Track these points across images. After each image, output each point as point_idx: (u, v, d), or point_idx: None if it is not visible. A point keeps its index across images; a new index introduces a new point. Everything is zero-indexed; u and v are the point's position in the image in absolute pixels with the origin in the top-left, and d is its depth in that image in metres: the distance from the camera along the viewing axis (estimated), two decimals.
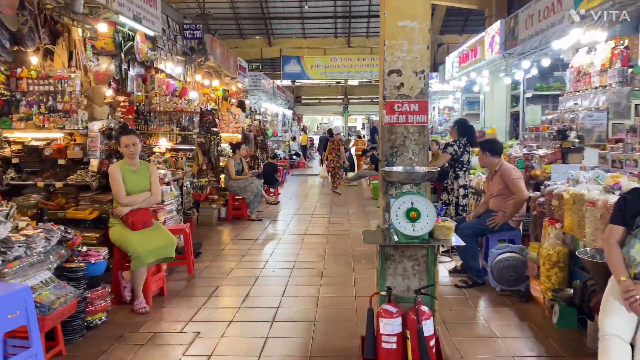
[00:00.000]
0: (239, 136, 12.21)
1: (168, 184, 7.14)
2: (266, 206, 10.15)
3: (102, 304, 4.24)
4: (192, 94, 11.50)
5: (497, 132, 12.40)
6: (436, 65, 21.11)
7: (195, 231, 8.09)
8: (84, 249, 4.26)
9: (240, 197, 9.23)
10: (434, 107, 19.61)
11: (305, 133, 28.76)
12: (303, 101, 30.77)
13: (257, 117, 20.41)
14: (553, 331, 4.05)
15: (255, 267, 6.07)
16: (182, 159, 8.17)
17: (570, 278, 4.37)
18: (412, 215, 2.79)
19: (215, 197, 9.00)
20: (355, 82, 30.31)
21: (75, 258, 4.15)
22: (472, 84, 13.85)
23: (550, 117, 7.54)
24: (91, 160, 5.27)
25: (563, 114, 7.07)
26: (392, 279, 3.12)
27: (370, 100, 30.91)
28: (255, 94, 19.07)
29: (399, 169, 3.02)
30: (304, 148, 24.80)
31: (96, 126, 5.30)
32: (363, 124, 40.61)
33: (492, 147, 5.46)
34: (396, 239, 2.83)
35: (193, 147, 9.18)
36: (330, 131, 20.97)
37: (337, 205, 10.97)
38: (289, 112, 26.33)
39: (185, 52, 11.35)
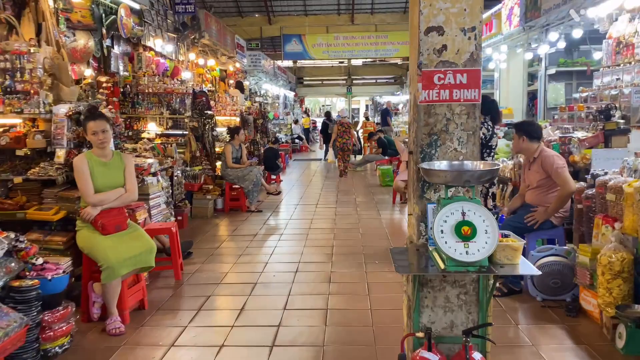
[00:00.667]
0: (237, 120, 11.34)
1: (155, 174, 6.32)
2: (267, 195, 9.33)
3: (64, 327, 3.46)
4: (186, 74, 10.63)
5: (514, 113, 11.52)
6: None
7: (188, 226, 7.30)
8: (40, 261, 3.45)
9: (238, 186, 8.41)
10: None
11: (308, 115, 27.81)
12: (305, 82, 29.76)
13: (257, 99, 19.51)
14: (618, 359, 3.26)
15: (253, 270, 5.27)
16: (172, 146, 7.33)
17: (635, 291, 3.56)
18: (465, 231, 1.96)
19: (211, 187, 8.18)
20: (359, 62, 29.24)
21: (27, 273, 3.36)
22: (485, 61, 12.86)
23: (585, 94, 6.65)
24: (57, 150, 4.45)
25: (602, 90, 6.18)
26: (430, 312, 2.30)
27: (374, 81, 29.89)
28: (254, 74, 18.13)
29: (444, 165, 2.17)
30: (306, 131, 23.90)
31: (62, 110, 4.46)
32: (367, 106, 39.62)
33: (530, 130, 4.60)
34: (442, 265, 2.00)
35: (185, 132, 8.34)
36: (328, 114, 20.07)
37: (343, 193, 10.14)
38: (291, 94, 25.37)
39: (177, 28, 10.43)
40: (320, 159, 17.45)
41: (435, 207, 2.19)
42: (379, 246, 6.04)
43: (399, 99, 27.85)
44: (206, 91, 9.88)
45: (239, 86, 14.00)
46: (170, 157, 7.16)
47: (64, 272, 3.58)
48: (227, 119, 11.47)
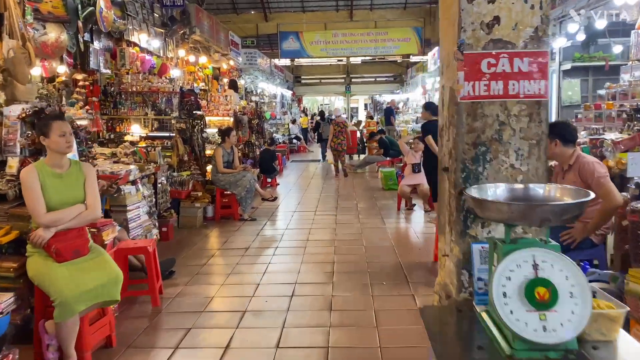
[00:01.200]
0: (231, 120, 10.65)
1: (134, 182, 5.64)
2: (262, 201, 8.64)
3: None
4: (175, 72, 9.94)
5: None
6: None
7: (174, 237, 6.62)
8: None
9: (230, 193, 7.73)
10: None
11: (306, 115, 27.13)
12: (303, 81, 29.07)
13: (253, 98, 18.81)
14: None
15: (243, 293, 4.58)
16: (156, 150, 6.65)
17: None
18: (540, 295, 1.28)
19: (200, 193, 7.50)
20: (358, 60, 28.58)
21: None
22: None
23: (612, 90, 5.97)
24: (8, 159, 3.76)
25: (634, 86, 5.51)
26: None
27: (374, 80, 29.23)
28: (250, 73, 17.44)
29: (503, 191, 1.47)
30: (304, 131, 23.22)
31: (15, 111, 3.78)
32: (365, 105, 38.95)
33: (565, 133, 3.90)
34: (507, 349, 1.32)
35: (172, 135, 7.65)
36: (322, 113, 19.40)
37: (343, 198, 9.46)
38: (288, 93, 24.68)
39: (165, 22, 9.74)
40: (319, 160, 16.77)
41: (485, 249, 1.51)
42: (386, 262, 5.37)
43: (399, 97, 27.21)
44: (195, 90, 9.20)
45: (233, 85, 13.29)
46: (153, 162, 6.48)
47: (2, 312, 2.90)
48: (220, 119, 10.79)
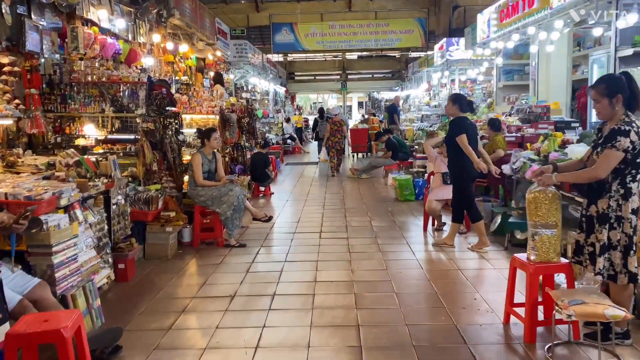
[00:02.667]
0: (216, 118, 8.87)
1: (68, 208, 3.88)
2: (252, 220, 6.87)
3: None
4: (147, 61, 8.14)
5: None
6: (451, 30, 17.73)
7: (134, 277, 4.84)
8: None
9: (213, 211, 5.96)
10: (452, 80, 16.29)
11: (300, 113, 25.33)
12: (296, 78, 27.27)
13: (244, 94, 17.02)
14: None
15: None
16: (109, 159, 4.86)
17: None
18: None
19: (172, 214, 5.71)
20: (354, 55, 26.82)
21: None
22: (520, 46, 10.53)
23: None
24: None
25: None
26: None
27: (371, 76, 27.50)
28: (240, 67, 15.63)
29: None
30: (299, 130, 21.43)
31: None
32: (361, 103, 37.30)
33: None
34: None
35: (138, 137, 5.87)
36: (321, 111, 17.59)
37: (353, 212, 7.71)
38: (282, 90, 22.89)
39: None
40: (317, 162, 15.01)
41: None
42: (435, 326, 3.63)
43: (397, 95, 25.50)
44: (169, 81, 7.42)
45: (218, 78, 11.50)
46: (105, 177, 4.69)
47: None
48: (204, 117, 9.01)
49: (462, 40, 14.86)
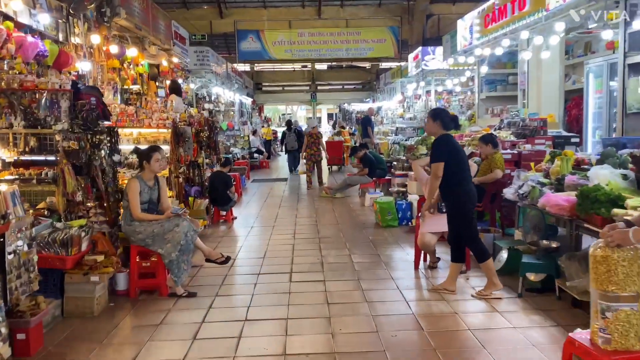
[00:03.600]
0: (168, 132, 7.61)
1: None
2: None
3: None
4: (84, 65, 6.85)
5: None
6: (425, 40, 16.94)
7: (41, 349, 3.56)
8: None
9: (154, 252, 4.71)
10: (428, 91, 15.45)
11: (269, 125, 24.11)
12: (264, 88, 26.10)
13: (206, 105, 15.75)
14: None
15: None
16: (5, 193, 3.57)
17: None
18: None
19: (99, 258, 4.43)
20: (324, 66, 25.89)
21: None
22: (499, 55, 9.67)
23: None
24: None
25: None
26: None
27: (341, 87, 26.57)
28: (202, 75, 14.37)
29: None
30: (267, 143, 20.22)
31: None
32: (331, 115, 36.41)
33: None
34: None
35: (57, 159, 4.58)
36: (289, 123, 16.56)
37: (329, 243, 6.55)
38: (248, 100, 21.65)
39: None
40: (286, 179, 13.83)
41: None
42: None
43: (371, 106, 24.63)
44: (102, 88, 6.17)
45: (174, 88, 10.23)
46: None
47: None
48: (154, 131, 7.74)
49: (438, 49, 14.02)
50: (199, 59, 13.79)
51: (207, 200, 7.80)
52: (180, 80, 12.61)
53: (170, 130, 7.64)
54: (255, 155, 16.99)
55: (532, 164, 5.88)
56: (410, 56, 15.50)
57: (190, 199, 7.69)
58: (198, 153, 9.35)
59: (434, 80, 15.00)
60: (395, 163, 10.31)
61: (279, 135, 25.91)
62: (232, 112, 18.89)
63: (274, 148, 21.93)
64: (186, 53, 12.12)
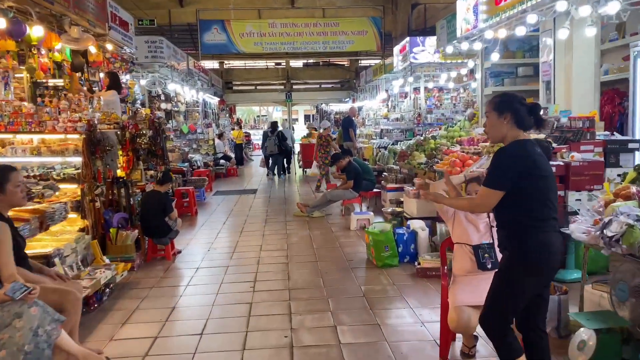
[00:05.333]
0: (79, 137, 5.42)
1: None
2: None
3: None
4: None
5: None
6: (410, 31, 15.00)
7: None
8: None
9: None
10: (416, 88, 13.49)
11: (240, 128, 21.86)
12: (235, 88, 23.85)
13: (163, 105, 13.49)
14: None
15: None
16: None
17: None
18: None
19: None
20: (300, 63, 23.80)
21: None
22: (506, 42, 7.75)
23: None
24: None
25: None
26: None
27: (318, 86, 24.48)
28: (156, 70, 12.12)
29: None
30: (238, 147, 17.99)
31: None
32: (308, 116, 34.36)
33: None
34: None
35: None
36: (274, 125, 14.62)
37: (303, 298, 4.44)
38: (214, 100, 19.35)
39: None
40: (255, 190, 11.67)
41: None
42: None
43: (348, 107, 22.62)
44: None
45: (113, 81, 7.99)
46: None
47: None
48: (57, 137, 5.57)
49: (429, 40, 12.07)
50: (151, 51, 11.54)
51: (136, 231, 5.62)
52: (128, 77, 10.41)
53: (82, 136, 5.46)
54: (222, 162, 14.77)
55: (606, 185, 3.89)
56: (396, 49, 13.49)
57: (112, 231, 5.50)
58: (134, 165, 7.17)
59: (424, 75, 13.04)
60: (385, 174, 8.27)
61: (254, 138, 23.76)
62: (197, 113, 16.62)
63: (245, 153, 19.71)
64: (130, 41, 9.84)
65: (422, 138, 9.15)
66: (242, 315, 4.11)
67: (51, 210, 4.56)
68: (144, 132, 7.50)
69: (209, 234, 7.26)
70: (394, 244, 5.33)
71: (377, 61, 17.29)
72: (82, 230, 5.28)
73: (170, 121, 13.60)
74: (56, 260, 4.29)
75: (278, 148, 13.73)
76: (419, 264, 5.04)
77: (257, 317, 4.07)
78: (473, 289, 3.10)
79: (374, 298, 4.37)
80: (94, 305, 4.32)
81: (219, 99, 20.58)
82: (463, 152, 6.51)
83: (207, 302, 4.44)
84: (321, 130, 11.67)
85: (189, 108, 15.92)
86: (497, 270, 2.67)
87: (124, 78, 9.96)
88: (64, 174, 5.55)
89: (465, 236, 3.29)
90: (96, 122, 5.93)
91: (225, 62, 22.58)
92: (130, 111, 9.04)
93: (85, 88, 7.46)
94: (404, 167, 8.02)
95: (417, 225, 5.57)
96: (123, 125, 6.98)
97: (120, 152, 7.00)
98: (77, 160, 5.48)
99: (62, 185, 5.59)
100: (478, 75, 9.65)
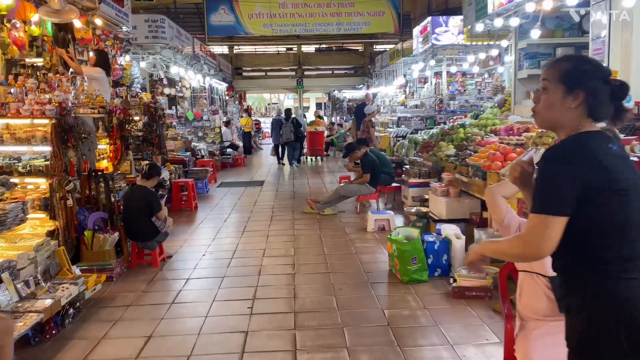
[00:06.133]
0: (49, 122, 4.53)
1: None
2: None
3: None
4: None
5: None
6: (431, 13, 13.87)
7: None
8: None
9: None
10: (437, 73, 12.41)
11: (249, 115, 20.91)
12: (244, 74, 22.87)
13: (166, 90, 12.59)
14: None
15: None
16: None
17: None
18: None
19: None
20: (312, 48, 22.73)
21: None
22: (543, 19, 6.68)
23: None
24: None
25: None
26: None
27: (330, 72, 23.42)
28: (157, 51, 11.20)
29: None
30: (247, 136, 17.07)
31: None
32: (319, 104, 33.32)
33: None
34: None
35: None
36: (288, 112, 13.83)
37: (312, 330, 3.52)
38: (222, 86, 18.39)
39: None
40: (262, 182, 10.77)
41: None
42: None
43: (360, 94, 21.56)
44: None
45: (102, 59, 7.07)
46: None
47: None
48: (26, 123, 4.68)
49: (452, 20, 11.04)
50: (152, 30, 10.61)
51: (116, 233, 4.73)
52: (127, 58, 9.50)
53: (52, 121, 4.57)
54: (228, 150, 13.87)
55: None
56: (416, 30, 12.40)
57: (87, 234, 4.62)
58: (122, 155, 6.30)
59: (446, 59, 11.96)
60: (407, 167, 7.29)
61: (263, 126, 22.79)
62: (204, 100, 15.71)
63: (254, 141, 18.80)
64: (125, 18, 8.90)
65: (447, 126, 8.14)
66: (233, 350, 3.20)
67: (1, 213, 3.67)
68: (134, 118, 6.61)
69: (207, 233, 6.36)
70: (423, 254, 4.37)
71: (393, 46, 16.22)
72: (52, 233, 4.41)
73: (173, 107, 12.72)
74: (4, 275, 3.42)
75: (294, 135, 13.16)
76: (454, 280, 4.08)
77: (252, 354, 3.16)
78: (555, 343, 2.14)
79: (402, 329, 3.43)
80: (52, 333, 3.44)
81: (227, 85, 19.64)
82: (502, 143, 5.51)
83: (192, 329, 3.54)
84: (368, 114, 11.06)
85: (195, 94, 15.01)
86: (572, 335, 1.71)
87: (122, 60, 9.04)
88: (30, 167, 4.67)
89: (537, 262, 2.33)
90: (70, 105, 5.03)
91: (235, 47, 21.61)
92: (127, 95, 8.12)
93: (61, 63, 6.52)
94: (428, 160, 7.03)
95: (450, 231, 4.61)
96: (110, 110, 6.10)
97: (107, 141, 6.15)
98: (47, 149, 4.61)
99: (30, 180, 4.73)
100: (511, 57, 8.56)
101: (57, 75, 6.29)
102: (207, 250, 5.59)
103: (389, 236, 4.57)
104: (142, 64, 10.87)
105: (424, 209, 5.80)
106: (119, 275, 4.68)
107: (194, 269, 4.93)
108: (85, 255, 4.64)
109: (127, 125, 6.41)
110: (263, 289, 4.30)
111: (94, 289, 4.09)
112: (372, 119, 11.75)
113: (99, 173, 4.95)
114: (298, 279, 4.51)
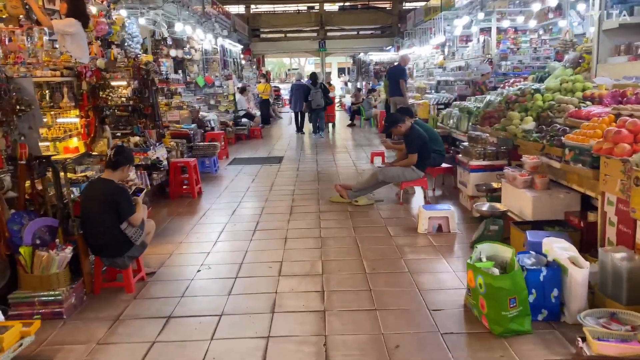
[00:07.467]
0: None
1: None
2: None
3: None
4: None
5: None
6: None
7: None
8: None
9: None
10: (484, 29, 10.50)
11: (267, 81, 19.16)
12: (262, 36, 21.03)
13: (172, 52, 11.02)
14: None
15: None
16: None
17: None
18: None
19: None
20: (335, 6, 20.69)
21: None
22: None
23: None
24: None
25: None
26: None
27: (355, 33, 21.39)
28: (158, 5, 9.56)
29: None
30: (264, 104, 15.43)
31: None
32: (342, 69, 31.34)
33: None
34: None
35: None
36: (314, 77, 12.24)
37: None
38: (236, 48, 16.63)
39: None
40: (280, 159, 9.22)
41: None
42: None
43: (390, 56, 19.59)
44: None
45: (76, 9, 5.51)
46: None
47: None
48: None
49: None
50: None
51: (69, 248, 3.25)
52: (123, 12, 7.94)
53: None
54: (243, 120, 12.30)
55: None
56: None
57: (23, 251, 3.15)
58: (97, 132, 4.84)
59: (496, 12, 10.04)
60: (465, 144, 5.60)
61: (282, 93, 21.04)
62: (216, 63, 14.07)
63: (273, 109, 17.17)
64: None
65: (513, 92, 6.40)
66: None
67: None
68: (110, 82, 5.08)
69: (209, 234, 4.87)
70: (526, 292, 2.79)
71: (424, 3, 14.25)
72: None
73: (180, 71, 11.15)
74: None
75: (325, 101, 11.95)
76: (583, 339, 2.50)
77: None
78: None
79: None
80: None
81: (243, 48, 17.88)
82: (616, 113, 3.80)
83: None
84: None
85: (207, 57, 13.37)
86: None
87: (112, 13, 7.42)
88: None
89: None
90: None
91: (252, 5, 19.72)
92: (114, 56, 6.53)
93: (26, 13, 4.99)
94: (493, 135, 5.34)
95: (561, 251, 2.99)
96: (78, 72, 4.59)
97: (76, 112, 4.66)
98: None
99: None
100: (595, 2, 6.66)
101: (10, 26, 4.78)
102: (205, 261, 4.10)
103: (469, 261, 2.98)
104: (142, 20, 9.27)
105: (500, 207, 4.17)
106: (73, 308, 3.23)
107: (181, 296, 3.45)
108: (25, 282, 3.19)
109: (102, 92, 4.90)
110: (277, 343, 2.80)
111: (20, 345, 2.64)
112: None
113: (43, 161, 3.44)
114: (330, 322, 2.99)
